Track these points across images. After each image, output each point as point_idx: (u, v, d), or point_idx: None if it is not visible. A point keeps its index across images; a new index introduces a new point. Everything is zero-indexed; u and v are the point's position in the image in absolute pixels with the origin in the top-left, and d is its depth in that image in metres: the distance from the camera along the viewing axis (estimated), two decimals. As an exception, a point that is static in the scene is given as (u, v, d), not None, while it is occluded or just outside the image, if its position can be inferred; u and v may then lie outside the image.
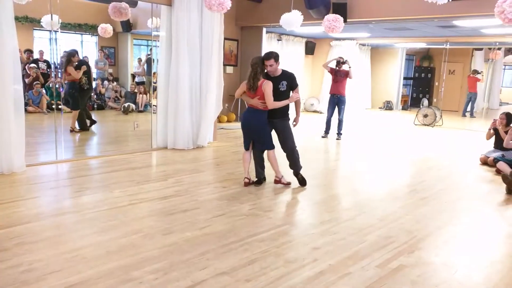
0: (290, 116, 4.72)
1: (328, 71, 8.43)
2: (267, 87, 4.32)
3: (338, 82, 8.21)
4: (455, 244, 3.42)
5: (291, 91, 4.58)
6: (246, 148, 4.71)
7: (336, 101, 8.27)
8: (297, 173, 4.87)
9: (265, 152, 4.70)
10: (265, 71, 4.46)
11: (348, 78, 8.21)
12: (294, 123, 4.77)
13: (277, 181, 4.77)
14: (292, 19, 6.38)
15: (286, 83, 4.51)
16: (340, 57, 8.53)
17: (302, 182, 4.84)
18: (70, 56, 7.54)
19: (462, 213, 4.22)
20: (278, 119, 4.59)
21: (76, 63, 7.52)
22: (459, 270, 2.93)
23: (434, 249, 3.27)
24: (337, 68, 8.27)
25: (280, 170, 4.79)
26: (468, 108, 13.27)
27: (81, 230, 3.35)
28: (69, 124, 7.35)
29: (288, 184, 4.78)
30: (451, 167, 6.31)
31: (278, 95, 4.42)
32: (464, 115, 13.27)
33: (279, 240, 3.30)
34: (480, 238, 3.58)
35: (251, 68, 4.40)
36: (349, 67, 8.17)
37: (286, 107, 4.63)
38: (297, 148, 4.81)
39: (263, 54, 4.66)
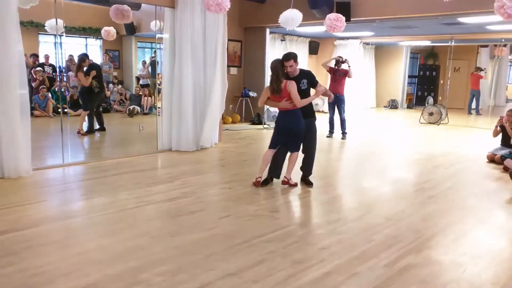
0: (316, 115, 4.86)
1: (327, 70, 8.43)
2: (292, 86, 4.39)
3: (336, 82, 8.21)
4: (463, 242, 3.40)
5: (311, 88, 4.64)
6: (274, 147, 4.72)
7: (336, 100, 8.25)
8: (305, 176, 4.87)
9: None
10: (285, 72, 4.49)
11: (347, 78, 8.21)
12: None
13: (285, 182, 4.76)
14: (291, 18, 6.36)
15: (306, 81, 4.57)
16: (339, 57, 8.53)
17: (309, 183, 4.84)
18: (81, 61, 7.64)
19: (470, 211, 4.19)
20: (306, 119, 4.63)
21: (86, 67, 7.61)
22: (468, 269, 2.91)
23: (442, 248, 3.25)
24: (336, 67, 8.26)
25: None
26: (474, 106, 13.18)
27: (89, 233, 3.36)
28: (75, 127, 7.39)
29: (295, 185, 4.77)
30: (457, 165, 6.26)
31: (301, 93, 4.46)
32: (469, 113, 13.19)
33: (286, 240, 3.30)
34: (488, 236, 3.55)
35: (272, 72, 4.49)
36: (349, 66, 8.16)
37: (311, 107, 4.72)
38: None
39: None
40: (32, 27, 8.31)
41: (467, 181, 5.39)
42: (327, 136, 8.43)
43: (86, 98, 7.69)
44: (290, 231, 3.50)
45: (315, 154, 4.88)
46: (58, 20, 5.93)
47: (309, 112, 4.68)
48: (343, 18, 6.49)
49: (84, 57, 7.75)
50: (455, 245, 3.32)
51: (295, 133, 4.59)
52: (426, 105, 12.01)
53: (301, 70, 4.65)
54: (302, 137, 4.64)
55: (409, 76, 15.25)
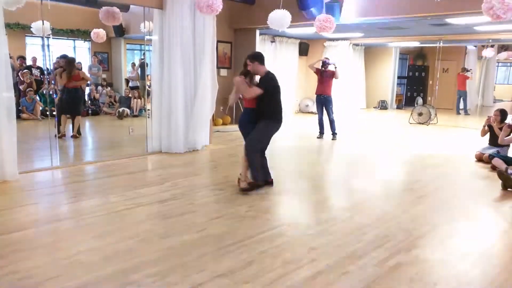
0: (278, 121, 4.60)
1: (314, 72, 8.50)
2: (235, 80, 4.60)
3: (324, 83, 8.28)
4: (452, 241, 3.43)
5: (270, 93, 4.44)
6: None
7: (323, 101, 8.33)
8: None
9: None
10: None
11: (334, 78, 8.28)
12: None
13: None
14: (279, 18, 6.37)
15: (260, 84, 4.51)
16: (326, 58, 8.59)
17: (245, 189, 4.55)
18: (73, 62, 7.51)
19: (459, 210, 4.24)
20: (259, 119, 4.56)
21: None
22: (456, 267, 2.94)
23: (431, 247, 3.28)
24: (323, 68, 8.32)
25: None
26: (462, 106, 13.34)
27: (78, 236, 3.33)
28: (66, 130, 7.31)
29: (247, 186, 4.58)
30: (446, 165, 6.33)
31: (260, 96, 4.42)
32: (458, 113, 13.34)
33: (277, 241, 3.30)
34: (476, 234, 3.60)
35: None
36: (335, 68, 8.22)
37: (271, 110, 4.52)
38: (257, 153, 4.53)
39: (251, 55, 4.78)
40: (18, 29, 8.22)
41: (456, 181, 5.45)
42: (317, 137, 8.46)
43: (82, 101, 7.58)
44: (280, 232, 3.51)
45: (251, 157, 4.45)
46: (45, 22, 5.87)
47: (263, 113, 4.50)
48: (333, 19, 6.52)
49: (73, 59, 7.62)
50: (443, 243, 3.36)
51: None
52: (416, 105, 12.12)
53: (266, 73, 4.52)
54: (244, 134, 4.65)
55: (399, 77, 15.38)
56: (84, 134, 8.90)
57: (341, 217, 3.91)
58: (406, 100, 15.85)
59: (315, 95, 8.55)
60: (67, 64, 7.48)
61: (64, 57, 7.60)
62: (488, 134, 6.72)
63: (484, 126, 6.79)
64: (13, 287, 2.52)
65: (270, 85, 4.45)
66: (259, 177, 4.56)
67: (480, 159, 6.52)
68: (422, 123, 11.05)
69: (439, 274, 2.83)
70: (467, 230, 3.71)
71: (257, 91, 4.40)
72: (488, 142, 6.75)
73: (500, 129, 6.28)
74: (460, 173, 5.88)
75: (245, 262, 2.91)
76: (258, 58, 4.52)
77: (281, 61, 12.25)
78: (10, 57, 8.61)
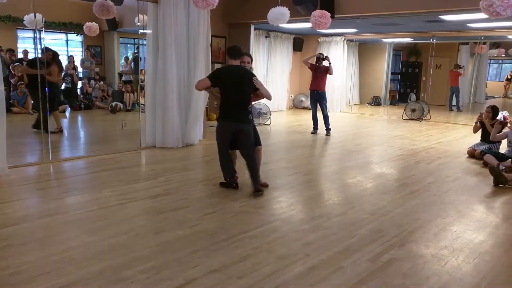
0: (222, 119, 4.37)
1: (308, 67, 8.51)
2: None
3: (318, 78, 8.30)
4: (444, 236, 3.46)
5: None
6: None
7: (317, 96, 8.36)
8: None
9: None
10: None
11: (328, 74, 8.29)
12: None
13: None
14: (279, 15, 6.36)
15: None
16: (320, 53, 8.60)
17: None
18: (57, 55, 7.31)
19: (451, 206, 4.26)
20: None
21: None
22: (449, 262, 2.96)
23: (424, 242, 3.30)
24: (317, 64, 8.33)
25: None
26: (454, 102, 13.42)
27: (70, 231, 3.30)
28: (54, 124, 7.21)
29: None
30: (439, 161, 6.37)
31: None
32: (450, 109, 13.42)
33: (271, 236, 3.30)
34: (468, 230, 3.62)
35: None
36: (329, 63, 8.23)
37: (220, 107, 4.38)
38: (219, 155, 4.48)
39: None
40: (10, 22, 8.11)
41: (448, 176, 5.49)
42: (311, 133, 8.48)
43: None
44: (274, 227, 3.51)
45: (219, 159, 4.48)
46: (37, 14, 5.79)
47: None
48: (328, 15, 6.50)
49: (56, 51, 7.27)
50: (436, 239, 3.38)
51: None
52: (409, 101, 12.15)
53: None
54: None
55: (392, 73, 15.41)
56: (76, 128, 8.85)
57: (335, 212, 3.92)
58: (400, 96, 15.89)
59: (309, 91, 8.57)
60: (55, 56, 7.21)
61: (48, 49, 7.19)
62: (480, 130, 6.77)
63: (476, 123, 6.83)
64: (4, 283, 2.49)
65: (214, 78, 4.27)
66: (223, 175, 4.48)
67: (472, 155, 6.57)
68: (415, 119, 11.11)
69: (431, 269, 2.85)
70: (460, 225, 3.73)
71: (206, 82, 4.21)
72: (480, 138, 6.80)
73: (492, 125, 6.32)
74: (452, 169, 5.92)
75: (239, 257, 2.90)
76: (228, 51, 4.43)
77: (275, 56, 12.22)
78: (1, 50, 8.50)
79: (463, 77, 13.33)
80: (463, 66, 13.27)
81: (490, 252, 3.18)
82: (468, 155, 6.67)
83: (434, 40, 11.74)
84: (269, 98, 4.50)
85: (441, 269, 2.85)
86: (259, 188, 4.35)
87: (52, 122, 7.03)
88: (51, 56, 7.06)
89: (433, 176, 5.44)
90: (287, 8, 6.35)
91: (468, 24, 9.19)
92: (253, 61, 9.90)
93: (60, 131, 7.33)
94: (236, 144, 4.42)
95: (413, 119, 11.15)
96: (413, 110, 11.26)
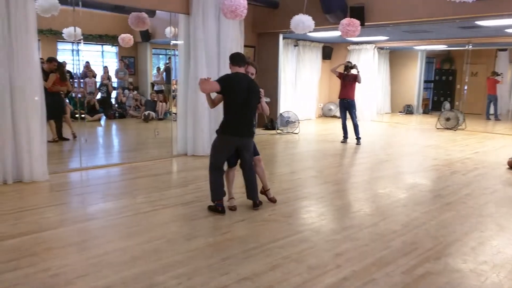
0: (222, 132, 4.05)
1: (337, 76, 8.46)
2: None
3: (347, 87, 8.23)
4: (483, 250, 3.33)
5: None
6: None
7: (346, 105, 8.28)
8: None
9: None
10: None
11: (357, 83, 8.20)
12: None
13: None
14: (302, 22, 6.37)
15: None
16: (348, 62, 8.53)
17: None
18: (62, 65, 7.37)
19: (490, 219, 4.10)
20: None
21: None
22: (489, 278, 2.85)
23: (462, 256, 3.19)
24: (346, 72, 8.26)
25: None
26: (492, 111, 12.96)
27: (106, 236, 3.40)
28: (93, 132, 7.45)
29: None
30: (476, 171, 6.15)
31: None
32: (488, 118, 12.96)
33: (300, 246, 3.28)
34: (511, 245, 3.47)
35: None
36: (357, 72, 8.15)
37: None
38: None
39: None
40: (51, 35, 8.51)
41: (487, 188, 5.29)
42: (341, 142, 8.39)
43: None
44: (304, 237, 3.48)
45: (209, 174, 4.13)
46: (76, 28, 6.05)
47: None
48: (357, 23, 6.46)
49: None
50: (474, 253, 3.26)
51: None
52: (443, 110, 11.82)
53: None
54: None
55: (425, 81, 15.07)
56: (110, 136, 9.12)
57: (366, 223, 3.85)
58: (433, 105, 15.51)
59: (338, 99, 8.50)
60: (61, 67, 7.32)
61: (54, 59, 7.35)
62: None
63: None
64: (44, 284, 2.59)
65: (224, 83, 3.87)
66: (211, 196, 4.05)
67: (512, 166, 6.32)
68: (450, 128, 10.79)
69: (470, 284, 2.75)
70: (500, 239, 3.58)
71: (214, 85, 3.80)
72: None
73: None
74: (491, 180, 5.70)
75: (269, 266, 2.90)
76: (230, 59, 4.02)
77: (304, 65, 12.21)
78: (42, 62, 8.91)
79: (501, 85, 12.86)
80: (501, 73, 12.82)
81: (532, 268, 3.04)
82: (508, 166, 6.40)
83: (470, 46, 11.41)
84: (267, 113, 4.35)
85: (481, 285, 2.74)
86: (256, 203, 4.12)
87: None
88: (55, 66, 7.20)
89: (470, 187, 5.26)
90: (314, 17, 6.36)
91: (507, 30, 8.90)
92: (280, 70, 9.94)
93: (55, 141, 7.22)
94: (236, 159, 4.13)
95: (447, 128, 10.84)
96: (448, 119, 10.95)
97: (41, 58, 6.45)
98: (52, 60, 7.28)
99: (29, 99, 4.78)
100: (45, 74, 6.87)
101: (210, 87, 3.82)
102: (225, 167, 4.18)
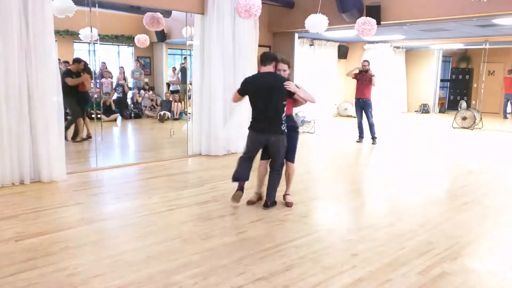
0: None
1: (352, 77, 8.42)
2: None
3: (362, 86, 8.16)
4: (501, 251, 3.28)
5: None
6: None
7: (362, 105, 8.22)
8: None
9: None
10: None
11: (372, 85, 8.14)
12: None
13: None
14: (317, 22, 6.34)
15: None
16: (366, 61, 8.45)
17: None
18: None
19: (507, 219, 4.03)
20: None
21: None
22: (506, 278, 2.80)
23: (479, 256, 3.15)
24: (362, 72, 8.21)
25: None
26: (509, 110, 12.71)
27: (122, 236, 3.45)
28: (109, 132, 7.55)
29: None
30: (493, 171, 6.05)
31: None
32: (505, 117, 12.72)
33: (316, 246, 3.27)
34: (528, 246, 3.41)
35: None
36: (373, 75, 8.08)
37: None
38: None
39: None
40: (67, 35, 8.65)
41: (504, 188, 5.20)
42: (357, 141, 8.33)
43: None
44: (320, 237, 3.48)
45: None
46: (93, 28, 6.14)
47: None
48: (373, 21, 6.40)
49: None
50: (492, 253, 3.21)
51: None
52: (459, 109, 11.64)
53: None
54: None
55: (441, 80, 14.87)
56: (126, 136, 9.22)
57: (382, 223, 3.82)
58: (449, 104, 15.29)
59: (354, 99, 8.45)
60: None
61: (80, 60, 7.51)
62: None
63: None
64: (61, 283, 2.64)
65: (241, 88, 4.11)
66: (234, 173, 4.22)
67: (531, 166, 6.19)
68: (466, 128, 10.62)
69: (487, 285, 2.71)
70: (518, 240, 3.52)
71: (236, 95, 4.14)
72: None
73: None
74: (508, 180, 5.59)
75: (285, 266, 2.90)
76: (259, 57, 4.11)
77: (320, 64, 12.16)
78: (59, 63, 9.08)
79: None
80: (519, 72, 12.57)
81: (553, 270, 2.97)
82: (526, 166, 6.28)
83: (487, 45, 11.21)
84: (312, 101, 4.06)
85: (498, 286, 2.70)
86: (267, 203, 4.17)
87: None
88: (83, 66, 7.33)
89: (487, 187, 5.17)
90: (330, 16, 6.32)
91: (525, 28, 8.71)
92: (295, 69, 9.82)
93: (89, 137, 7.42)
94: (268, 154, 4.20)
95: (464, 128, 10.67)
96: (464, 118, 10.78)
97: (58, 59, 6.58)
98: (79, 61, 7.44)
99: (47, 100, 4.87)
100: (73, 74, 7.14)
101: (235, 98, 4.22)
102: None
